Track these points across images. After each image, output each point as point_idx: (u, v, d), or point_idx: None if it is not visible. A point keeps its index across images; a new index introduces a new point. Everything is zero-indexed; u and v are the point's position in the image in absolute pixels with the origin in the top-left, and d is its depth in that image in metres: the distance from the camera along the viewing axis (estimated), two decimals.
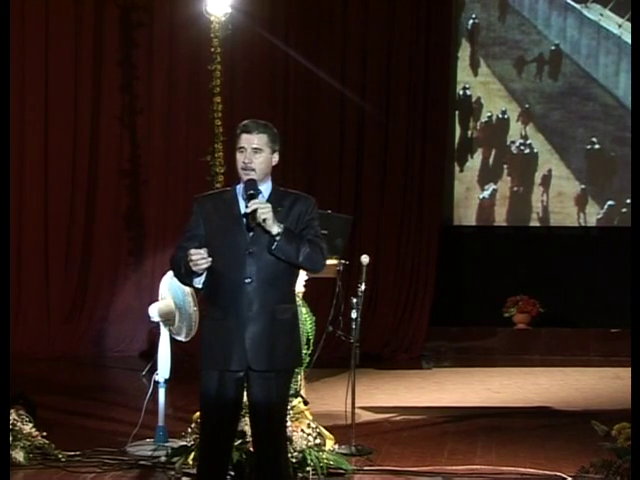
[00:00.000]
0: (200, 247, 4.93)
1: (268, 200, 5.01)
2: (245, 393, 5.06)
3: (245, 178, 5.01)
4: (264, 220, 4.88)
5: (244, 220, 4.97)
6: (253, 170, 4.99)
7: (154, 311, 7.37)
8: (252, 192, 4.94)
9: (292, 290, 5.12)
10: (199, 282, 5.00)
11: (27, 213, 11.54)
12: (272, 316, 4.96)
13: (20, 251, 11.46)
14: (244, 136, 5.03)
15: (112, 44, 11.62)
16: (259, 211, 4.88)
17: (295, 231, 4.98)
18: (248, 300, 4.93)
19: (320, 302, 8.69)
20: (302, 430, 6.44)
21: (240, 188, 5.05)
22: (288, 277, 5.04)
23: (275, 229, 4.89)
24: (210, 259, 4.87)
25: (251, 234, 4.95)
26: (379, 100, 11.78)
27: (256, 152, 5.00)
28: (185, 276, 5.01)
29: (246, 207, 4.93)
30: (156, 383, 7.31)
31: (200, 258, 4.86)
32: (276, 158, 5.10)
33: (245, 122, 5.09)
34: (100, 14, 11.59)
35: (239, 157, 5.03)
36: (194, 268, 4.89)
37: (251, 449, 5.91)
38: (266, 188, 5.07)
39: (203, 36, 10.37)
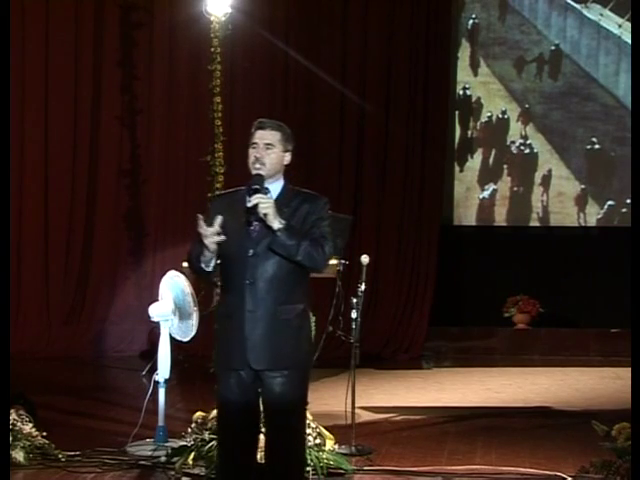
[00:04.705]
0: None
1: (278, 199, 4.99)
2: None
3: (254, 173, 5.00)
4: (265, 215, 4.87)
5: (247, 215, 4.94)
6: (264, 165, 4.98)
7: (154, 311, 7.38)
8: (256, 187, 4.93)
9: (299, 290, 5.07)
10: (207, 263, 4.97)
11: (27, 213, 11.54)
12: (274, 316, 4.95)
13: (20, 251, 11.45)
14: (258, 132, 5.03)
15: (112, 44, 11.62)
16: (260, 205, 4.87)
17: (301, 230, 4.96)
18: (249, 301, 4.93)
19: (320, 302, 8.67)
20: None
21: None
22: (294, 277, 5.01)
23: (276, 224, 4.88)
24: (222, 237, 4.86)
25: (255, 234, 4.94)
26: (379, 100, 11.78)
27: (268, 148, 5.00)
28: (196, 260, 4.98)
29: (248, 201, 4.92)
30: (156, 383, 7.31)
31: (211, 232, 4.84)
32: (288, 158, 5.09)
33: (260, 119, 5.10)
34: (100, 14, 11.59)
35: (251, 152, 5.02)
36: (205, 240, 4.86)
37: None
38: (277, 186, 5.05)
39: (203, 36, 10.37)
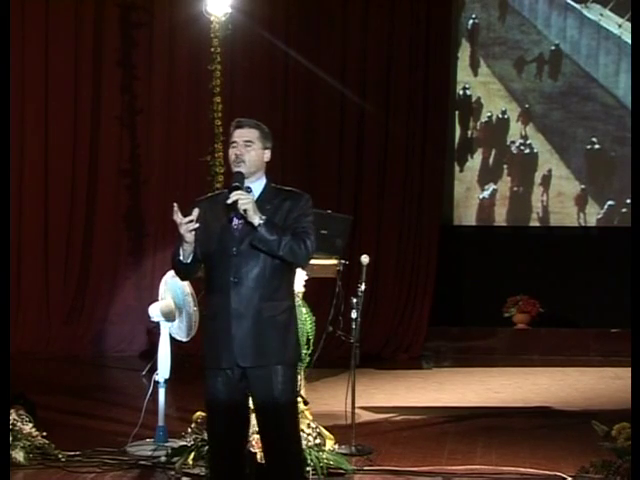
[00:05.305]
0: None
1: (260, 197, 5.04)
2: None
3: (235, 171, 5.04)
4: (245, 211, 4.91)
5: (228, 212, 4.99)
6: (243, 162, 5.04)
7: (154, 311, 7.38)
8: (236, 184, 4.97)
9: (284, 286, 5.09)
10: (185, 256, 5.02)
11: (27, 213, 11.55)
12: (259, 314, 4.97)
13: (20, 251, 11.46)
14: (237, 131, 5.10)
15: (112, 44, 11.63)
16: (240, 202, 4.91)
17: (283, 227, 4.98)
18: (235, 299, 4.96)
19: (320, 302, 8.69)
20: (302, 430, 6.43)
21: None
22: (279, 274, 5.03)
23: (256, 220, 4.91)
24: (197, 225, 4.92)
25: (237, 233, 4.98)
26: (379, 100, 11.78)
27: (247, 145, 5.06)
28: (175, 254, 5.06)
29: (228, 199, 4.95)
30: (156, 383, 7.31)
31: (186, 220, 4.91)
32: (268, 155, 5.13)
33: (238, 119, 5.16)
34: (100, 14, 11.60)
35: (231, 151, 5.09)
36: (180, 230, 4.93)
37: (251, 449, 5.92)
38: (259, 184, 5.10)
39: (203, 36, 10.38)
